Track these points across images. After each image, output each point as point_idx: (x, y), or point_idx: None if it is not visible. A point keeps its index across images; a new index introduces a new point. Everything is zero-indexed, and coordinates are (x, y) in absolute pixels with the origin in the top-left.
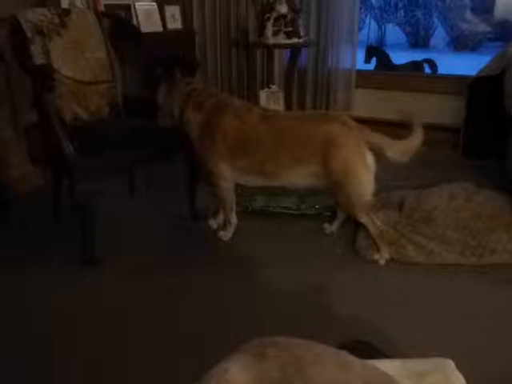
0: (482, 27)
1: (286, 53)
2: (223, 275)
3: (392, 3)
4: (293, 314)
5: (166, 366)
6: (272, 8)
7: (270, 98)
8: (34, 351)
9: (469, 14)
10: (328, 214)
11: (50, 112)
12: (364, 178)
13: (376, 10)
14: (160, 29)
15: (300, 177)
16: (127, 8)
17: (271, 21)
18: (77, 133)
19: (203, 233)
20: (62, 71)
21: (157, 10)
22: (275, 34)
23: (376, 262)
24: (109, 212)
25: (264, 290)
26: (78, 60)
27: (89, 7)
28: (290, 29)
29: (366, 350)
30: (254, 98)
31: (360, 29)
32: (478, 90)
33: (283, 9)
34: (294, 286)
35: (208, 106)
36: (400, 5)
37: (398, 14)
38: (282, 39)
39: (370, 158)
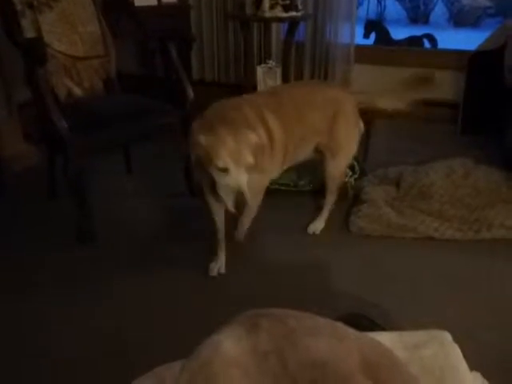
0: (482, 2)
1: (284, 27)
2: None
3: None
4: (289, 288)
5: (166, 338)
6: None
7: (267, 74)
8: (27, 324)
9: None
10: None
11: (43, 88)
12: (355, 147)
13: None
14: (154, 2)
15: (307, 150)
16: None
17: None
18: (71, 109)
19: (200, 209)
20: (54, 45)
21: None
22: (272, 7)
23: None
24: (104, 189)
25: (259, 265)
26: (71, 34)
27: None
28: (288, 2)
29: (362, 322)
30: (251, 73)
31: (359, 4)
32: (478, 64)
33: None
34: (291, 262)
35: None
36: None
37: None
38: (279, 12)
39: (361, 125)
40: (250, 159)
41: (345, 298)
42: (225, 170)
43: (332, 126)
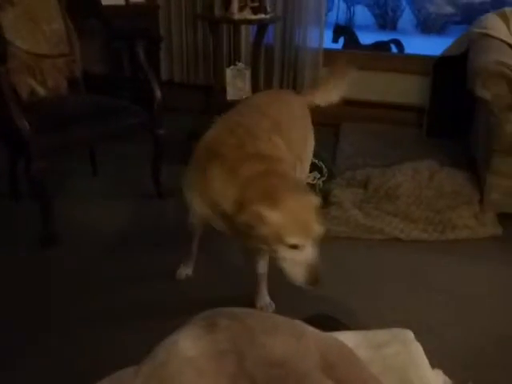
0: (448, 10)
1: (253, 29)
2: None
3: None
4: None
5: (129, 341)
6: None
7: (237, 76)
8: None
9: None
10: None
11: (4, 87)
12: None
13: None
14: (122, 2)
15: None
16: None
17: None
18: (33, 109)
19: (167, 210)
20: (16, 43)
21: None
22: (241, 9)
23: None
24: (70, 191)
25: (227, 267)
26: (34, 32)
27: None
28: (257, 4)
29: (327, 323)
30: (220, 74)
31: (329, 9)
32: (443, 69)
33: None
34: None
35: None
36: None
37: None
38: (248, 15)
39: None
40: (320, 229)
41: (312, 300)
42: (295, 247)
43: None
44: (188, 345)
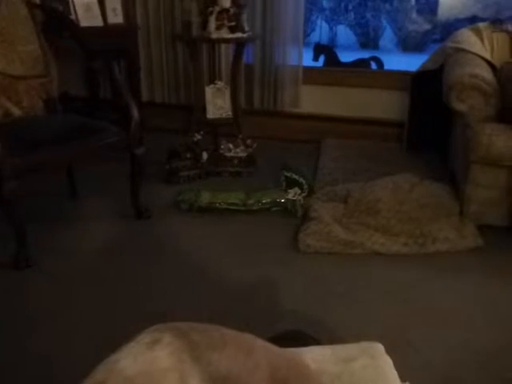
0: (427, 28)
1: (233, 49)
2: (165, 272)
3: (342, 5)
4: (234, 306)
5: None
6: (215, 2)
7: (216, 94)
8: None
9: (415, 16)
10: (276, 209)
11: None
12: None
13: (327, 12)
14: (100, 23)
15: None
16: (65, 1)
17: (214, 15)
18: (7, 129)
19: (146, 230)
20: None
21: (96, 3)
22: (218, 28)
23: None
24: (47, 212)
25: (206, 286)
26: (9, 53)
27: None
28: (234, 23)
29: (298, 338)
30: (200, 94)
31: (312, 30)
32: (420, 84)
33: (226, 3)
34: (238, 279)
35: None
36: (350, 7)
37: (348, 16)
38: (225, 33)
39: None
40: None
41: (290, 316)
42: None
43: None
44: (128, 363)
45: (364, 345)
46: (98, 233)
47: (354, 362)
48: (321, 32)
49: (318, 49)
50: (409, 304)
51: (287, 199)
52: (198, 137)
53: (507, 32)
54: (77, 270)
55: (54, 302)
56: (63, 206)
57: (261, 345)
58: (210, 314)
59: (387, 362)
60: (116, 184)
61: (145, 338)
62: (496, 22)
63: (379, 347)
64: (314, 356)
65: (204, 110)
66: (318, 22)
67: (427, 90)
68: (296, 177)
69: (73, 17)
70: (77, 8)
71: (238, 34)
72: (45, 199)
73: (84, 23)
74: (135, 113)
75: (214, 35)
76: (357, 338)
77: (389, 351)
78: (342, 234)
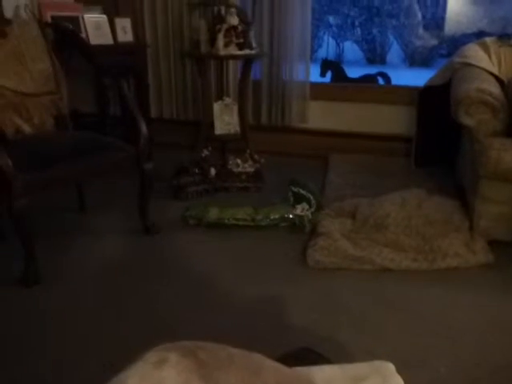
0: (434, 43)
1: (241, 65)
2: (173, 289)
3: (349, 21)
4: (243, 323)
5: None
6: (223, 20)
7: (224, 110)
8: None
9: (422, 31)
10: (284, 224)
11: None
12: None
13: (334, 28)
14: (110, 41)
15: None
16: (76, 20)
17: (222, 32)
18: (18, 146)
19: (154, 246)
20: (2, 82)
21: (107, 22)
22: (226, 45)
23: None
24: (57, 227)
25: (214, 303)
26: (20, 71)
27: (34, 17)
28: (242, 40)
29: (308, 356)
30: (208, 110)
31: (319, 46)
32: (428, 99)
33: (234, 20)
34: (246, 296)
35: None
36: (356, 23)
37: (355, 32)
38: (233, 50)
39: None
40: None
41: (299, 333)
42: None
43: None
44: (135, 383)
45: (375, 364)
46: (107, 248)
47: (364, 381)
48: (328, 48)
49: (325, 65)
50: (420, 321)
51: (295, 215)
52: (206, 152)
53: None
54: (85, 286)
55: (61, 319)
56: (72, 220)
57: (269, 364)
58: (218, 331)
59: (398, 382)
60: (125, 199)
61: (152, 357)
62: (503, 37)
63: (390, 366)
64: (323, 375)
65: (212, 125)
66: (325, 38)
67: (435, 105)
68: (304, 192)
69: (83, 35)
70: (87, 27)
71: (246, 51)
72: (53, 214)
73: (94, 41)
74: (144, 128)
75: (223, 52)
76: (367, 356)
77: (400, 370)
78: (350, 249)
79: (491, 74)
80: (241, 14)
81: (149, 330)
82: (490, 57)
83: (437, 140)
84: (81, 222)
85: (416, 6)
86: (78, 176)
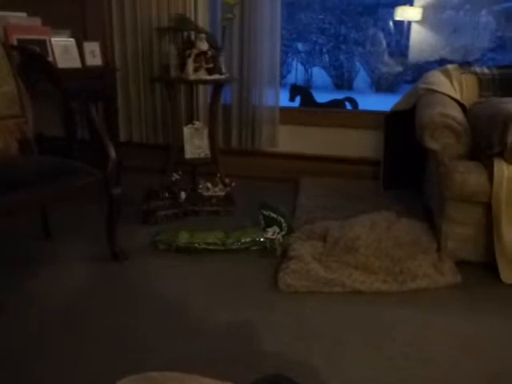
0: (399, 70)
1: (210, 90)
2: (142, 316)
3: (317, 48)
4: (213, 350)
5: None
6: (193, 45)
7: (194, 134)
8: None
9: (387, 58)
10: (255, 248)
11: None
12: None
13: (302, 54)
14: (79, 65)
15: None
16: (43, 43)
17: (192, 57)
18: None
19: (123, 273)
20: None
21: (75, 45)
22: (196, 70)
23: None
24: (20, 255)
25: (185, 330)
26: None
27: None
28: (211, 65)
29: (281, 383)
30: (178, 134)
31: (288, 72)
32: (394, 124)
33: (204, 46)
34: (216, 322)
35: None
36: (325, 50)
37: (323, 58)
38: (203, 75)
39: None
40: None
41: (272, 358)
42: None
43: None
44: None
45: None
46: (73, 276)
47: None
48: (297, 73)
49: (295, 90)
50: (392, 343)
51: (266, 238)
52: (176, 176)
53: (475, 74)
54: (48, 316)
55: (21, 350)
56: (37, 247)
57: None
58: (190, 358)
59: None
60: (92, 225)
61: None
62: (464, 64)
63: None
64: None
65: (182, 149)
66: (294, 63)
67: (401, 129)
68: (274, 215)
69: (51, 58)
70: (55, 50)
71: (216, 76)
72: (17, 241)
73: (62, 65)
74: (112, 152)
75: (192, 77)
76: (340, 379)
77: None
78: (321, 272)
79: (453, 99)
80: (210, 39)
81: (117, 361)
82: (451, 83)
83: (404, 163)
84: (46, 249)
85: (381, 35)
86: (42, 201)
